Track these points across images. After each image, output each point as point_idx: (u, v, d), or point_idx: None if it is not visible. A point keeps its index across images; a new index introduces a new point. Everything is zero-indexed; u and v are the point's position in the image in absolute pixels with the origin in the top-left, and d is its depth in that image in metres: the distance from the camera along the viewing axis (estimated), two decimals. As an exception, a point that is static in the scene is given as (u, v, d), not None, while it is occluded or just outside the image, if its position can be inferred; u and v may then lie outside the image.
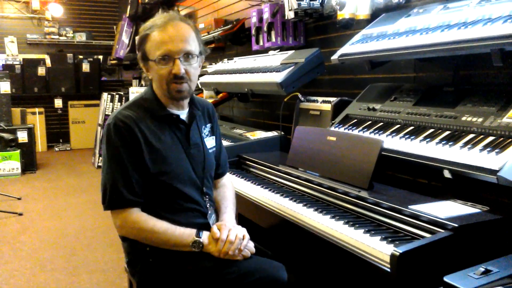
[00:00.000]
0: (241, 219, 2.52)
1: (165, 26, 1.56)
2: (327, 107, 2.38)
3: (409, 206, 1.47)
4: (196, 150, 1.69)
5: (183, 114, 1.69)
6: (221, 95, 3.64)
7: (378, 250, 1.31)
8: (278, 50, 2.93)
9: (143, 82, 7.11)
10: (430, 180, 1.89)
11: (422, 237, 1.35)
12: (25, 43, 8.26)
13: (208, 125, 1.81)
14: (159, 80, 1.60)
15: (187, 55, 1.58)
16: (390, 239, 1.35)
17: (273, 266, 1.60)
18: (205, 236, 1.56)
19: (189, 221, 1.61)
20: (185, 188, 1.62)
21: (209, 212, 1.69)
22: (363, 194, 1.65)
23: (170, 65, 1.56)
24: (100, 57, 8.64)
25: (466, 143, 1.49)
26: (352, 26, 2.26)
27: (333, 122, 2.15)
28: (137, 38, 1.64)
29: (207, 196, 1.70)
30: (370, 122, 1.97)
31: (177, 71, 1.55)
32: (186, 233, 1.55)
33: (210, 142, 1.79)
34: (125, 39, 7.26)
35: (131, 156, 1.55)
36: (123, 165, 1.54)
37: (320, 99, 2.46)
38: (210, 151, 1.77)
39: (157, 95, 1.66)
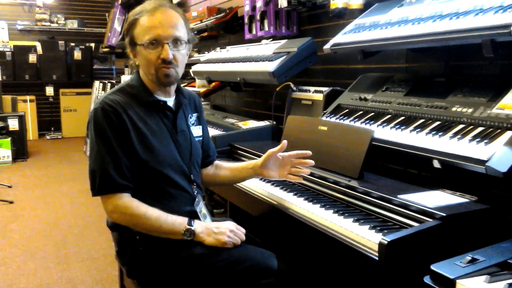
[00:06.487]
0: (232, 208, 2.54)
1: (154, 12, 1.56)
2: (319, 96, 2.37)
3: (399, 196, 1.48)
4: (183, 138, 1.69)
5: (170, 101, 1.69)
6: (213, 84, 3.62)
7: (367, 238, 1.31)
8: (271, 39, 2.91)
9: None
10: (420, 170, 1.90)
11: (411, 226, 1.36)
12: (16, 29, 8.15)
13: (195, 115, 1.81)
14: (147, 65, 1.59)
15: (176, 41, 1.58)
16: (379, 228, 1.36)
17: (263, 254, 1.62)
18: (197, 224, 1.57)
19: (177, 209, 1.60)
20: (173, 175, 1.62)
21: (197, 199, 1.69)
22: (353, 183, 1.65)
23: (158, 50, 1.56)
24: (92, 44, 8.55)
25: (456, 134, 1.49)
26: (345, 15, 2.24)
27: (324, 111, 2.15)
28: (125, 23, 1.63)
29: (194, 184, 1.70)
30: (361, 112, 1.97)
31: (166, 56, 1.55)
32: (178, 221, 1.55)
33: (196, 131, 1.79)
34: (117, 26, 7.18)
35: (120, 140, 1.54)
36: (112, 149, 1.53)
37: (312, 88, 2.46)
38: (197, 139, 1.78)
39: (144, 82, 1.65)
